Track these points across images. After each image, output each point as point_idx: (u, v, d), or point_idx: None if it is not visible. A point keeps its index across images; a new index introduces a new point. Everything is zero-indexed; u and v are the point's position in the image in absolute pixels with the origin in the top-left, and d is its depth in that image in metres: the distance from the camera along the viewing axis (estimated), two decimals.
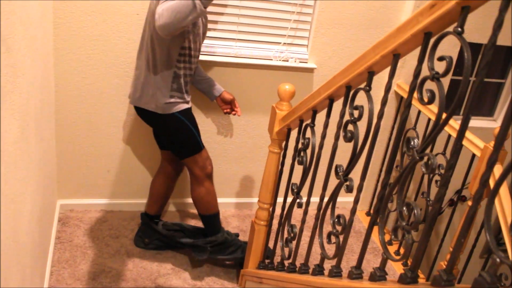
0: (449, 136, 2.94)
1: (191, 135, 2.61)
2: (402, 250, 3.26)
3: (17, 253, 1.71)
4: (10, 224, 1.57)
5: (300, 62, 3.13)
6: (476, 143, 2.54)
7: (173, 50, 2.41)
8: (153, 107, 2.49)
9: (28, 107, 1.89)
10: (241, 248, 2.86)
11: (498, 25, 1.00)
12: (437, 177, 3.06)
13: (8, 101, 1.51)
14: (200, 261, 2.94)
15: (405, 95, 3.24)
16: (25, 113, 1.80)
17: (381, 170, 3.61)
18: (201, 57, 2.94)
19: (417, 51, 1.33)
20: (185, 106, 2.57)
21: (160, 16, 2.12)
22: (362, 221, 3.70)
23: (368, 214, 3.74)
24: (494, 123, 3.95)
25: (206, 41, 2.96)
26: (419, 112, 3.18)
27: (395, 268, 3.21)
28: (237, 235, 3.00)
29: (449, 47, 3.19)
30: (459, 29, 1.11)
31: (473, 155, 2.66)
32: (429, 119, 3.06)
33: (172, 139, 2.67)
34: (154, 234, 2.96)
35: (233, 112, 2.96)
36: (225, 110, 2.96)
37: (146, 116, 2.59)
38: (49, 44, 2.60)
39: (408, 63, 3.28)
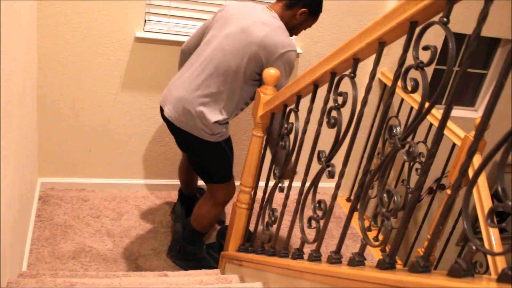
0: (431, 124, 2.97)
1: (227, 164, 2.56)
2: (380, 236, 3.31)
3: None
4: None
5: None
6: (457, 133, 2.57)
7: (250, 97, 2.47)
8: (203, 135, 2.41)
9: (11, 83, 1.86)
10: (202, 266, 2.83)
11: (483, 17, 1.01)
12: (417, 165, 3.10)
13: None
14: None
15: (389, 83, 3.26)
16: (7, 90, 1.78)
17: (362, 157, 3.64)
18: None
19: (402, 40, 1.34)
20: (228, 133, 2.52)
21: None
22: (342, 206, 3.73)
23: (348, 200, 3.77)
24: (475, 113, 3.99)
25: (194, 22, 2.94)
26: (402, 100, 3.20)
27: (374, 254, 3.26)
28: (223, 221, 3.04)
29: (433, 36, 3.21)
30: (445, 19, 1.12)
31: (454, 144, 2.70)
32: (412, 108, 3.08)
33: (205, 164, 2.59)
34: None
35: None
36: None
37: (185, 138, 2.49)
38: (33, 20, 2.57)
39: (393, 51, 3.29)
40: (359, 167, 3.68)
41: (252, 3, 2.51)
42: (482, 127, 1.03)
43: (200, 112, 2.36)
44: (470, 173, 2.21)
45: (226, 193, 2.65)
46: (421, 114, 1.22)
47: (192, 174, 3.03)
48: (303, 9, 2.41)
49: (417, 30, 1.25)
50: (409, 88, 1.25)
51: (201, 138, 2.41)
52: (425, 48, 1.19)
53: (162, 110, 2.51)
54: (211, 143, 2.43)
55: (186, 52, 2.60)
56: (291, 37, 2.55)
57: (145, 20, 2.88)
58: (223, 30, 2.38)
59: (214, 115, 2.37)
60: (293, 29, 2.48)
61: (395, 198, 1.29)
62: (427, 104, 1.21)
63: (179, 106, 2.40)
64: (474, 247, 1.01)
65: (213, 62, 2.35)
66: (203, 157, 2.55)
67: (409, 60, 1.14)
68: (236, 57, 2.32)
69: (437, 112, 2.78)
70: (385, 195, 1.36)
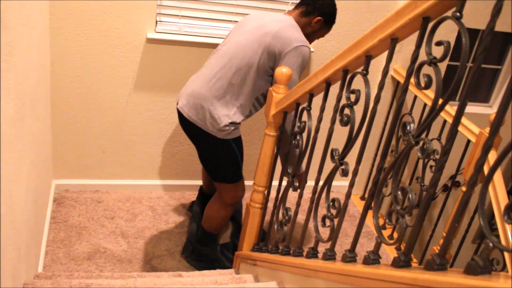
0: (445, 121, 2.94)
1: (235, 164, 2.56)
2: (395, 235, 3.29)
3: (13, 232, 1.71)
4: (6, 203, 1.58)
5: None
6: (472, 129, 2.55)
7: (262, 93, 2.47)
8: (210, 129, 2.42)
9: (24, 86, 1.88)
10: (216, 267, 2.81)
11: (496, 11, 1.00)
12: (431, 162, 3.08)
13: (4, 80, 1.51)
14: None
15: (401, 80, 3.24)
16: (21, 92, 1.80)
17: (376, 154, 3.62)
18: (201, 39, 2.94)
19: (414, 36, 1.33)
20: (239, 133, 2.51)
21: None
22: (356, 205, 3.72)
23: (362, 198, 3.75)
24: (489, 109, 3.96)
25: (205, 23, 2.95)
26: (415, 97, 3.18)
27: (388, 252, 3.24)
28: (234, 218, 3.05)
29: (446, 32, 3.18)
30: (458, 14, 1.11)
31: (468, 141, 2.67)
32: (425, 104, 3.06)
33: (212, 161, 2.59)
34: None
35: None
36: None
37: (194, 131, 2.51)
38: (45, 23, 2.58)
39: (405, 48, 3.27)
40: (372, 165, 3.66)
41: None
42: (497, 123, 1.01)
43: (210, 105, 2.38)
44: (486, 169, 2.19)
45: (232, 195, 2.64)
46: (435, 111, 1.20)
47: None
48: (319, 18, 2.47)
49: (430, 25, 1.24)
50: (423, 85, 1.24)
51: (208, 132, 2.42)
52: (438, 43, 1.18)
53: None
54: (219, 140, 2.44)
55: None
56: None
57: (157, 21, 2.88)
58: (240, 29, 2.47)
59: (223, 109, 2.39)
60: (307, 37, 2.49)
61: (410, 195, 1.28)
62: (440, 101, 1.19)
63: (191, 99, 2.43)
64: (491, 244, 1.00)
65: (228, 55, 2.40)
66: (210, 153, 2.55)
67: (422, 56, 1.13)
68: (251, 49, 2.36)
69: (451, 109, 2.75)
70: (399, 192, 1.35)
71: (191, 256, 2.86)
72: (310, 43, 2.50)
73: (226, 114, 2.39)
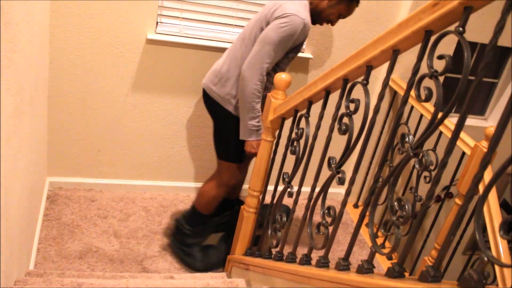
0: (440, 132, 2.95)
1: (239, 145, 2.60)
2: (387, 244, 3.30)
3: (6, 228, 1.71)
4: (2, 199, 1.57)
5: None
6: (467, 142, 2.56)
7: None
8: (230, 107, 2.54)
9: (24, 83, 1.87)
10: (184, 259, 2.89)
11: (499, 28, 1.01)
12: (425, 173, 3.09)
13: (4, 76, 1.50)
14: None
15: (399, 90, 3.26)
16: (20, 89, 1.79)
17: (370, 163, 3.63)
18: (201, 41, 2.94)
19: (413, 47, 1.34)
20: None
21: (244, 76, 2.35)
22: (349, 212, 3.72)
23: (355, 206, 3.76)
24: (485, 122, 3.98)
25: (206, 25, 2.96)
26: (412, 107, 3.19)
27: (379, 261, 3.25)
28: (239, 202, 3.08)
29: (445, 45, 3.20)
30: (461, 28, 1.12)
31: (463, 153, 2.68)
32: (422, 115, 3.07)
33: (222, 136, 2.68)
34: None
35: None
36: None
37: (215, 107, 2.61)
38: (46, 20, 2.58)
39: (403, 58, 3.28)
40: (367, 173, 3.68)
41: None
42: (495, 139, 1.02)
43: (225, 79, 2.51)
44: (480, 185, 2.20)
45: (231, 174, 2.72)
46: (434, 124, 1.21)
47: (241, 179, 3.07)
48: None
49: (432, 39, 1.25)
50: (423, 97, 1.25)
51: (224, 107, 2.55)
52: (440, 57, 1.19)
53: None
54: (232, 116, 2.55)
55: None
56: (323, 24, 2.59)
57: (157, 22, 2.89)
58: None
59: (234, 85, 2.49)
60: (322, 12, 2.47)
61: (407, 206, 1.29)
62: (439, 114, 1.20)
63: (211, 75, 2.61)
64: (486, 258, 1.00)
65: (240, 36, 2.55)
66: (222, 128, 2.65)
67: (422, 69, 1.14)
68: (256, 21, 2.45)
69: (448, 121, 2.76)
70: (395, 203, 1.36)
71: (174, 236, 2.92)
72: (329, 20, 2.52)
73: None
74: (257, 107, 2.41)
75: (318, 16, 2.50)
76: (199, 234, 2.89)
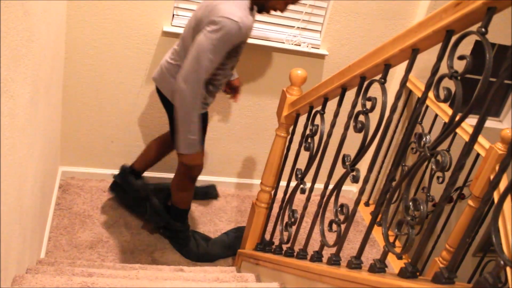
0: (455, 133, 2.93)
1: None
2: (397, 243, 3.29)
3: (20, 216, 1.72)
4: (16, 187, 1.58)
5: (312, 47, 3.11)
6: (482, 143, 2.54)
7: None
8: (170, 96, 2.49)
9: (40, 72, 1.88)
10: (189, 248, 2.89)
11: None
12: (438, 173, 3.07)
13: (22, 65, 1.51)
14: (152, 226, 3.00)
15: (414, 89, 3.23)
16: (36, 78, 1.80)
17: (383, 162, 3.62)
18: None
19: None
20: (202, 111, 2.49)
21: (179, 88, 2.25)
22: (360, 211, 3.71)
23: (366, 204, 3.75)
24: (500, 124, 3.95)
25: None
26: (427, 107, 3.17)
27: (389, 259, 3.24)
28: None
29: (463, 44, 3.17)
30: (483, 29, 1.11)
31: (478, 154, 2.67)
32: (436, 115, 3.05)
33: (173, 128, 2.60)
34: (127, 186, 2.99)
35: (233, 99, 2.94)
36: (226, 91, 2.94)
37: (165, 99, 2.57)
38: (63, 10, 2.59)
39: (420, 57, 3.25)
40: (378, 172, 3.66)
41: None
42: None
43: (168, 70, 2.48)
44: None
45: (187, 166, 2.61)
46: (453, 125, 1.20)
47: (159, 150, 3.03)
48: None
49: (453, 39, 1.23)
50: (442, 97, 1.24)
51: (170, 101, 2.47)
52: (461, 57, 1.18)
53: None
54: None
55: None
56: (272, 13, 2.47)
57: (173, 15, 2.88)
58: None
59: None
60: (265, 3, 2.33)
61: (422, 207, 1.28)
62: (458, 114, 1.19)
63: (158, 68, 2.58)
64: (502, 262, 1.00)
65: (183, 33, 2.48)
66: (172, 121, 2.51)
67: (442, 69, 1.13)
68: (195, 23, 2.32)
69: (463, 122, 2.74)
70: (410, 203, 1.35)
71: (165, 233, 2.94)
72: (273, 8, 2.36)
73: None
74: (196, 119, 2.34)
75: (262, 7, 2.37)
76: (181, 225, 2.90)
